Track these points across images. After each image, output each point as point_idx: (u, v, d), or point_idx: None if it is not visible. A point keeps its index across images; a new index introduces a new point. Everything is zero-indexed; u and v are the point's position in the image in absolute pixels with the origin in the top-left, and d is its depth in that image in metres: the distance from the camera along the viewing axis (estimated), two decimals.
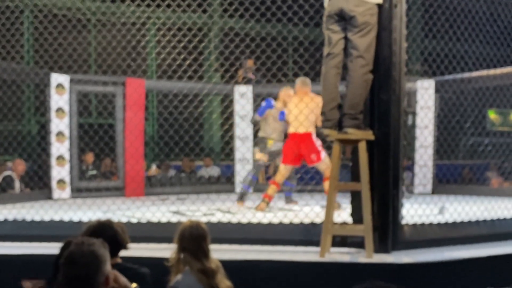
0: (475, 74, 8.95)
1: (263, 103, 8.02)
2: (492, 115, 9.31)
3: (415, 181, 9.75)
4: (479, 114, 9.61)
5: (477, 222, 5.52)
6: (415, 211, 5.98)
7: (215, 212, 6.96)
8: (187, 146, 10.02)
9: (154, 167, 11.19)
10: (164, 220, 5.63)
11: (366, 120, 4.89)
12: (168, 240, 4.73)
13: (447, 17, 6.42)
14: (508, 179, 9.67)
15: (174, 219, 5.82)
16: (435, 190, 9.58)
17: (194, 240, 3.62)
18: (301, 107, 7.17)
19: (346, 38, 4.86)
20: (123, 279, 2.79)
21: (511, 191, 8.73)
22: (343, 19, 4.83)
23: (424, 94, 9.52)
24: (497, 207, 6.25)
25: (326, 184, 7.40)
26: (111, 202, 7.65)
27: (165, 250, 4.20)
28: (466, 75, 8.95)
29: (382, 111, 4.86)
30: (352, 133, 4.75)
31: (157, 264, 3.74)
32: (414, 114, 9.73)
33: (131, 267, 3.31)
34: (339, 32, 4.88)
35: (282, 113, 7.70)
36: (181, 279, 3.56)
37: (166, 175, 10.86)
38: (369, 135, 4.80)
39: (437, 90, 9.65)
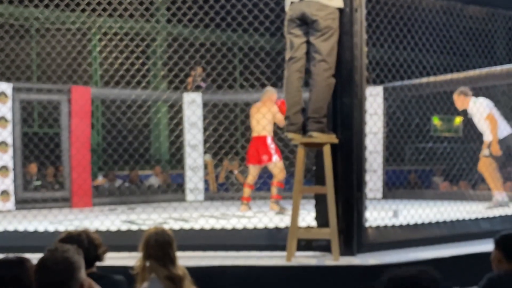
0: (420, 80, 9.16)
1: None
2: (436, 121, 9.54)
3: (369, 186, 9.85)
4: (424, 120, 9.84)
5: (437, 223, 5.62)
6: (370, 214, 6.06)
7: (168, 220, 6.84)
8: (135, 155, 9.83)
9: (100, 177, 10.93)
10: (115, 229, 5.48)
11: (329, 123, 4.91)
12: (124, 248, 4.70)
13: (393, 25, 6.55)
14: (453, 183, 9.94)
15: (130, 228, 5.71)
16: (385, 195, 9.74)
17: (159, 246, 3.55)
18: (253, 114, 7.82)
19: (308, 42, 4.88)
20: None
21: (458, 194, 8.95)
22: (305, 23, 4.86)
23: (373, 101, 9.66)
24: (450, 209, 6.38)
25: (273, 189, 7.81)
26: (57, 212, 7.43)
27: (125, 259, 4.15)
28: (413, 81, 9.15)
29: (345, 115, 4.91)
30: (317, 136, 4.77)
31: (119, 273, 3.63)
32: None
33: (106, 276, 3.25)
34: (301, 36, 4.89)
35: None
36: (147, 286, 3.49)
37: (113, 185, 10.63)
38: (333, 138, 4.83)
39: (385, 97, 9.83)
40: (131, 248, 3.97)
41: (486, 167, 7.62)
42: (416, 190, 10.33)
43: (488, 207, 7.44)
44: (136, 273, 3.59)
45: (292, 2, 4.90)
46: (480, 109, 7.63)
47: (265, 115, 7.66)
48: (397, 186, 10.42)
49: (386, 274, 2.09)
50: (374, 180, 9.52)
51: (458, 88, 7.87)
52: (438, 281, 2.08)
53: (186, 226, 5.51)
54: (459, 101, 7.82)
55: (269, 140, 7.86)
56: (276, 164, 7.77)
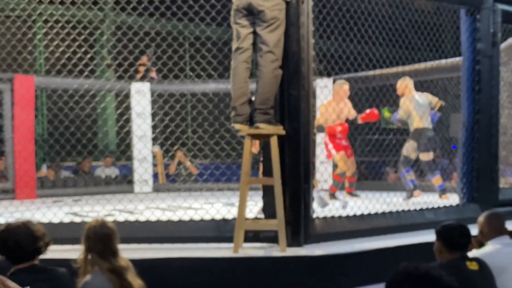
0: (370, 73, 9.25)
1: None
2: (386, 113, 9.65)
3: (316, 177, 9.92)
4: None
5: (383, 214, 5.69)
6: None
7: (112, 212, 6.73)
8: (79, 145, 9.61)
9: (45, 168, 10.69)
10: (57, 221, 5.36)
11: (277, 115, 4.90)
12: (67, 241, 4.61)
13: (340, 18, 6.57)
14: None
15: (73, 220, 5.61)
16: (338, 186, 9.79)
17: (100, 239, 3.52)
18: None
19: (255, 33, 4.85)
20: (12, 284, 2.72)
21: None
22: (252, 13, 4.82)
23: (321, 93, 9.70)
24: (396, 200, 6.47)
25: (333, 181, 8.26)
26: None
27: (69, 252, 4.08)
28: (362, 74, 9.23)
29: (292, 106, 4.90)
30: (264, 128, 4.75)
31: (63, 265, 3.56)
32: None
33: (48, 269, 3.20)
34: (248, 26, 4.86)
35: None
36: (90, 279, 3.44)
37: (58, 176, 10.40)
38: (280, 130, 4.82)
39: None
40: (75, 240, 3.89)
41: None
42: (366, 181, 10.46)
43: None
44: (79, 266, 3.55)
45: None
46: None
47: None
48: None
49: (402, 266, 2.06)
50: (321, 171, 9.58)
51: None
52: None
53: (131, 218, 5.42)
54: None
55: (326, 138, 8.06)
56: (335, 157, 8.02)
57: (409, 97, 7.92)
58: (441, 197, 7.67)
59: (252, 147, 5.08)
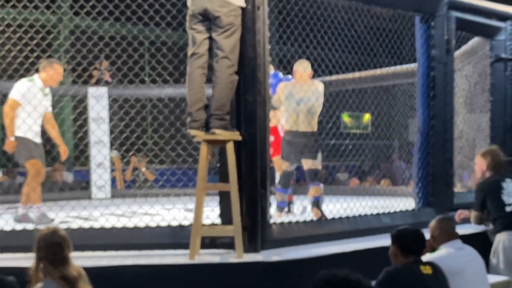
0: (329, 78, 9.30)
1: None
2: (346, 118, 9.76)
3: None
4: (334, 117, 10.00)
5: (340, 219, 5.71)
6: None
7: (66, 219, 6.63)
8: None
9: (0, 174, 10.49)
10: (10, 228, 5.25)
11: (233, 121, 4.90)
12: (19, 249, 4.53)
13: (303, 22, 6.59)
14: (362, 179, 10.21)
15: (25, 227, 5.49)
16: (295, 191, 9.81)
17: (51, 247, 3.51)
18: None
19: (210, 38, 4.84)
20: None
21: (365, 190, 9.17)
22: (207, 19, 4.81)
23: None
24: (352, 205, 6.48)
25: None
26: None
27: (21, 260, 4.07)
28: (322, 79, 9.26)
29: (248, 112, 4.90)
30: (220, 133, 4.73)
31: (13, 274, 3.51)
32: None
33: None
34: (204, 32, 4.85)
35: None
36: None
37: (13, 182, 10.22)
38: (236, 135, 4.81)
39: None
40: (27, 248, 3.84)
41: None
42: (326, 185, 10.49)
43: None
44: (30, 274, 3.52)
45: None
46: None
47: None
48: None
49: (321, 274, 2.08)
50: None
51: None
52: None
53: (86, 225, 5.35)
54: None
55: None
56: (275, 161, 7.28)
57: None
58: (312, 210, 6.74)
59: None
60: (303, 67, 6.88)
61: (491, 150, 5.83)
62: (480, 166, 5.74)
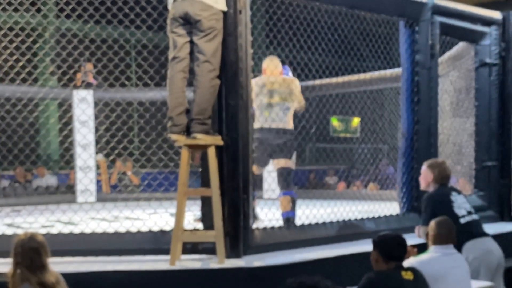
0: (318, 82, 9.29)
1: None
2: (335, 122, 9.74)
3: (264, 187, 9.89)
4: (324, 121, 10.00)
5: (324, 224, 5.68)
6: (265, 215, 6.17)
7: (55, 223, 6.57)
8: (21, 154, 9.36)
9: None
10: None
11: (215, 125, 4.86)
12: (1, 254, 4.48)
13: (291, 26, 6.57)
14: (352, 183, 10.19)
15: (4, 232, 5.37)
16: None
17: (28, 253, 3.49)
18: None
19: (192, 42, 4.81)
20: None
21: (352, 194, 9.15)
22: (188, 22, 4.77)
23: None
24: (337, 210, 6.43)
25: None
26: None
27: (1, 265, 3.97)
28: (310, 83, 9.27)
29: (230, 117, 4.87)
30: (201, 138, 4.70)
31: None
32: None
33: None
34: (185, 35, 4.81)
35: None
36: None
37: None
38: (218, 140, 4.78)
39: None
40: (5, 254, 3.80)
41: None
42: (315, 190, 10.50)
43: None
44: (8, 280, 3.53)
45: (175, 0, 4.81)
46: None
47: None
48: (299, 186, 10.52)
49: (289, 282, 2.07)
50: (269, 182, 9.55)
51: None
52: None
53: (65, 230, 5.30)
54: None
55: None
56: None
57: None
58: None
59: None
60: (274, 64, 6.47)
61: (440, 163, 5.61)
62: (425, 177, 5.51)
